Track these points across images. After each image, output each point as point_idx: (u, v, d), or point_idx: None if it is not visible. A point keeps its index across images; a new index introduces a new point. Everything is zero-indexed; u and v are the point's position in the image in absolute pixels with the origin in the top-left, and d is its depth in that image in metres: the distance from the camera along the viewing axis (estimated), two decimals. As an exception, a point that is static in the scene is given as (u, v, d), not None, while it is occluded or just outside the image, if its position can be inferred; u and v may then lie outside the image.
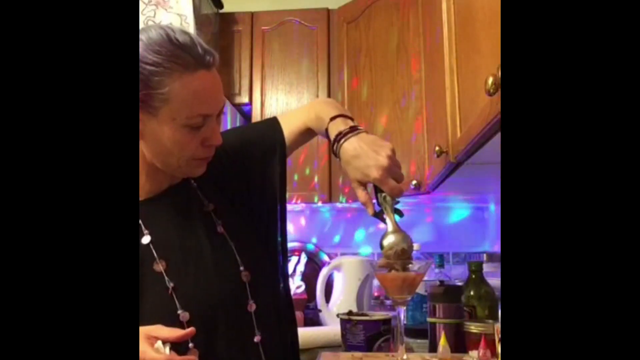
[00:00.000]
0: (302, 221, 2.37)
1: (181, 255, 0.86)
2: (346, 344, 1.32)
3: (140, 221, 0.85)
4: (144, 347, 0.72)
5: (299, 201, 2.11)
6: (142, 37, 0.80)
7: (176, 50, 0.78)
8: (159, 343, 0.75)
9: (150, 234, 0.85)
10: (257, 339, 0.87)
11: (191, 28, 1.83)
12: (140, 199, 0.87)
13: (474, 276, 1.38)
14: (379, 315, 1.35)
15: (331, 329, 1.66)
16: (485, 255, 1.97)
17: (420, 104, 1.80)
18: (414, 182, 1.77)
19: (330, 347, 1.57)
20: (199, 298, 0.84)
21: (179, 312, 0.81)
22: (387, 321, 1.33)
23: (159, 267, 0.83)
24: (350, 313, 1.37)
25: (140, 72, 0.77)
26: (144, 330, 0.75)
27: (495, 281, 1.41)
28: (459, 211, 2.27)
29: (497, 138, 0.88)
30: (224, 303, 0.86)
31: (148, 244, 0.84)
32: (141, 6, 1.84)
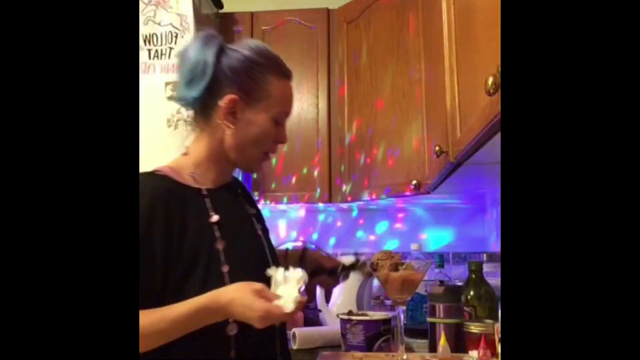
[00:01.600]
0: (302, 221, 2.37)
1: (238, 241, 0.97)
2: (346, 344, 1.32)
3: (209, 203, 0.96)
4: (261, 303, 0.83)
5: (299, 201, 2.10)
6: (249, 43, 1.02)
7: (276, 60, 1.03)
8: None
9: (216, 214, 0.95)
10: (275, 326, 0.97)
11: (191, 28, 1.83)
12: (206, 186, 0.99)
13: (474, 276, 1.39)
14: (379, 315, 1.35)
15: (331, 329, 1.66)
16: (485, 255, 1.97)
17: (420, 104, 1.80)
18: (414, 182, 1.77)
19: (330, 347, 1.57)
20: (253, 270, 0.95)
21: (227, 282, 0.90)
22: (387, 321, 1.33)
23: (220, 245, 0.93)
24: (350, 313, 1.37)
25: (250, 70, 0.98)
26: (250, 285, 0.86)
27: (495, 281, 1.41)
28: (459, 211, 2.27)
29: (497, 138, 0.88)
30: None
31: (214, 223, 0.94)
32: (141, 6, 1.84)
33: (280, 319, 0.87)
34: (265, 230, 1.11)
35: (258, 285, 0.86)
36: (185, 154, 1.02)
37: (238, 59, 0.98)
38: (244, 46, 1.01)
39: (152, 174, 0.96)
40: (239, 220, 1.04)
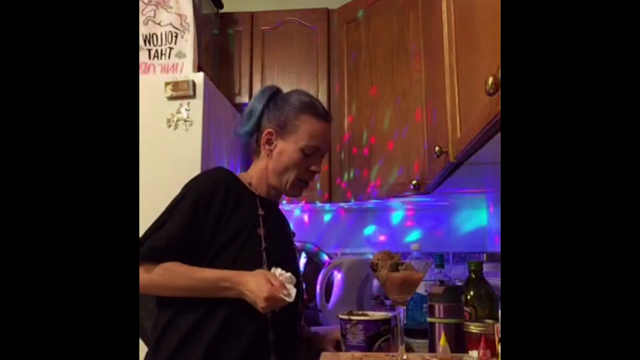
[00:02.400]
0: (302, 221, 2.37)
1: (275, 233, 1.21)
2: (346, 344, 1.32)
3: (259, 202, 1.22)
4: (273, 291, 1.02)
5: (299, 201, 2.10)
6: (296, 91, 1.32)
7: (312, 102, 1.29)
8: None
9: (263, 210, 1.20)
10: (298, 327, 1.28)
11: (191, 28, 1.83)
12: (259, 193, 1.25)
13: (474, 276, 1.38)
14: (379, 315, 1.35)
15: (331, 329, 1.65)
16: (485, 255, 1.97)
17: (420, 104, 1.80)
18: (414, 182, 1.77)
19: (330, 347, 1.56)
20: (278, 265, 1.11)
21: (263, 266, 1.13)
22: (387, 321, 1.33)
23: (261, 231, 1.17)
24: (350, 313, 1.37)
25: (288, 109, 1.25)
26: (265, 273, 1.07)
27: (495, 281, 1.41)
28: (458, 211, 2.27)
29: (497, 138, 0.87)
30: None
31: (260, 215, 1.19)
32: (141, 6, 1.84)
33: (280, 304, 1.04)
34: (295, 251, 1.37)
35: (271, 275, 1.06)
36: (246, 171, 1.31)
37: (281, 100, 1.27)
38: (290, 93, 1.29)
39: (227, 170, 1.24)
40: (279, 226, 1.28)
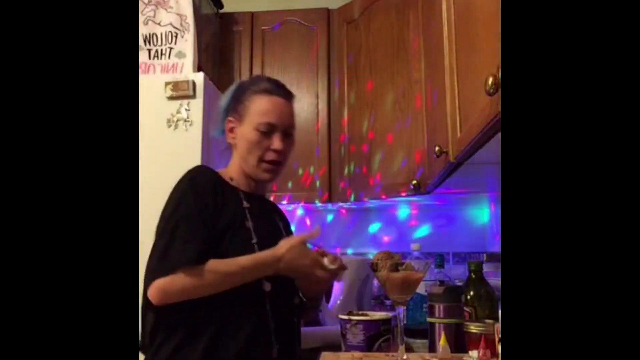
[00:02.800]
0: (302, 221, 2.37)
1: (264, 225, 1.20)
2: (346, 344, 1.32)
3: (243, 195, 1.20)
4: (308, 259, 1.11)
5: (299, 201, 2.10)
6: (258, 77, 1.40)
7: (260, 79, 1.28)
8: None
9: (248, 203, 1.18)
10: (295, 319, 1.23)
11: (191, 28, 1.83)
12: (241, 189, 1.22)
13: (474, 276, 1.38)
14: (379, 315, 1.35)
15: (331, 329, 1.66)
16: (485, 255, 1.97)
17: (421, 104, 1.80)
18: (414, 182, 1.77)
19: (330, 347, 1.57)
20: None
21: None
22: (387, 321, 1.33)
23: (250, 224, 1.14)
24: (350, 313, 1.37)
25: (236, 90, 1.25)
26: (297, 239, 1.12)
27: (495, 281, 1.41)
28: (458, 211, 2.27)
29: (497, 138, 0.87)
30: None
31: (246, 208, 1.17)
32: (141, 6, 1.84)
33: (325, 269, 1.11)
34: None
35: (305, 238, 1.12)
36: (228, 165, 1.28)
37: (240, 90, 1.25)
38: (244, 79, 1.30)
39: (211, 169, 1.23)
40: (267, 216, 1.27)
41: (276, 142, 1.20)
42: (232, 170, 1.26)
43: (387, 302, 2.02)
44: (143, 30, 1.82)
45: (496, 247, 2.01)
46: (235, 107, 1.24)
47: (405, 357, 1.12)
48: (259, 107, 1.21)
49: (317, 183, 2.09)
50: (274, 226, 1.28)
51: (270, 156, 1.21)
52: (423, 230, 2.29)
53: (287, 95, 1.25)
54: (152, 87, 1.70)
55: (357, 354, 1.25)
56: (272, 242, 1.14)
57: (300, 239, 1.12)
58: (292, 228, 2.17)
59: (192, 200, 1.11)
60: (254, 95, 1.22)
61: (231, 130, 1.25)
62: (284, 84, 1.27)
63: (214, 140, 1.77)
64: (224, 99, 1.28)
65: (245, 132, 1.21)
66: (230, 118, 1.25)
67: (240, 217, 1.15)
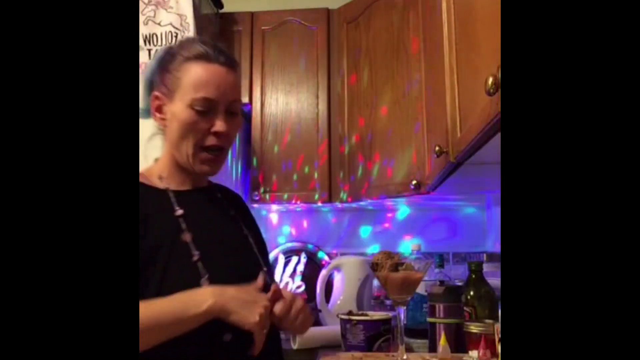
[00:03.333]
0: (302, 221, 2.37)
1: (209, 233, 0.94)
2: (346, 344, 1.33)
3: (174, 199, 0.94)
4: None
5: (299, 201, 2.11)
6: (192, 40, 1.00)
7: (197, 46, 0.95)
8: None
9: (182, 209, 0.92)
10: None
11: (191, 28, 1.83)
12: (174, 188, 0.97)
13: (474, 276, 1.38)
14: (379, 315, 1.35)
15: (331, 329, 1.66)
16: (485, 255, 1.97)
17: (420, 104, 1.80)
18: (414, 182, 1.77)
19: (330, 347, 1.57)
20: (224, 272, 0.89)
21: (202, 280, 0.86)
22: (387, 321, 1.33)
23: (187, 237, 0.89)
24: (350, 313, 1.37)
25: (162, 58, 0.96)
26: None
27: (495, 281, 1.41)
28: (459, 211, 2.27)
29: (497, 138, 0.87)
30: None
31: (180, 216, 0.91)
32: (141, 6, 1.84)
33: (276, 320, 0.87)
34: (255, 232, 1.07)
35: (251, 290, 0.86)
36: (157, 159, 1.02)
37: (169, 56, 0.97)
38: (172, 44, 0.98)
39: None
40: (213, 214, 0.99)
41: (218, 123, 0.93)
42: (162, 164, 0.99)
43: (387, 302, 2.02)
44: (143, 30, 1.82)
45: (496, 247, 2.01)
46: (162, 79, 0.95)
47: (405, 357, 1.12)
48: (193, 78, 0.92)
49: (317, 183, 2.09)
50: (226, 226, 1.00)
51: (211, 141, 0.94)
52: (423, 230, 2.29)
53: (230, 63, 0.96)
54: (152, 87, 1.69)
55: (357, 354, 1.25)
56: (222, 251, 0.92)
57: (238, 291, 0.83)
58: (291, 229, 2.17)
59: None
60: (186, 64, 0.93)
61: (158, 109, 0.96)
62: (224, 48, 0.98)
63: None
64: (148, 68, 1.01)
65: (176, 111, 0.92)
66: (157, 93, 0.96)
67: (173, 230, 0.89)
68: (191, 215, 0.93)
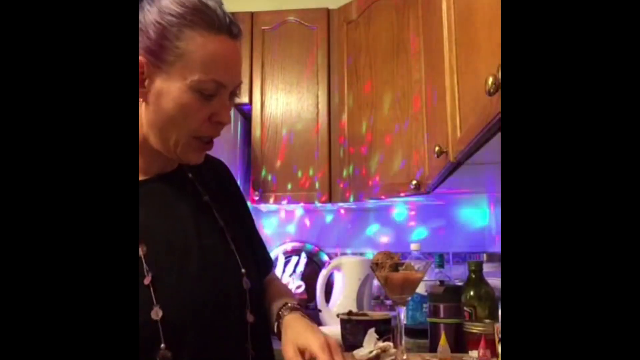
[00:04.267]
0: (302, 221, 2.37)
1: (169, 245, 0.76)
2: (346, 344, 1.33)
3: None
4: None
5: (299, 201, 2.11)
6: None
7: (202, 7, 0.73)
8: None
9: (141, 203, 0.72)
10: (251, 354, 0.78)
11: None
12: None
13: (474, 276, 1.39)
14: (379, 315, 1.35)
15: (331, 329, 1.66)
16: (485, 255, 1.97)
17: (420, 104, 1.81)
18: (414, 182, 1.77)
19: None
20: (182, 297, 0.73)
21: (152, 312, 0.70)
22: (387, 321, 1.33)
23: (141, 250, 0.73)
24: (350, 313, 1.38)
25: (158, 22, 0.72)
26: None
27: (495, 281, 1.41)
28: (459, 211, 2.27)
29: (497, 138, 0.88)
30: (218, 309, 0.76)
31: None
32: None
33: None
34: (233, 221, 0.86)
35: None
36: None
37: (149, 12, 0.74)
38: None
39: None
40: (178, 214, 0.80)
41: (224, 113, 0.76)
42: None
43: (387, 302, 2.03)
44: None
45: (496, 247, 2.01)
46: (150, 39, 0.73)
47: (405, 357, 1.12)
48: (202, 55, 0.72)
49: (317, 183, 2.09)
50: (194, 223, 0.80)
51: (209, 131, 0.77)
52: (423, 231, 2.29)
53: (238, 33, 0.77)
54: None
55: (357, 354, 1.25)
56: (184, 266, 0.75)
57: None
58: (291, 229, 2.15)
59: None
60: (191, 32, 0.72)
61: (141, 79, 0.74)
62: (230, 15, 0.77)
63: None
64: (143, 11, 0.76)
65: (172, 91, 0.73)
66: (142, 58, 0.73)
67: None
68: (149, 217, 0.75)
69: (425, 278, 1.25)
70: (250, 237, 0.94)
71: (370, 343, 1.06)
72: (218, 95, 0.75)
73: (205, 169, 0.88)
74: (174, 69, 0.73)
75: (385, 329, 1.31)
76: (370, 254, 2.26)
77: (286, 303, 0.85)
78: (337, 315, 1.42)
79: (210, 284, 0.76)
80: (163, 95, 0.73)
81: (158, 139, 0.77)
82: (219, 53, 0.73)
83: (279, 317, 0.83)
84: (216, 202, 0.86)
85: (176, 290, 0.73)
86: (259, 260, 0.93)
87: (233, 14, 0.79)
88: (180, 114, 0.74)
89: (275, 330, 0.83)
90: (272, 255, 2.25)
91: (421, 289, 1.55)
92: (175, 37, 0.72)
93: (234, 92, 0.78)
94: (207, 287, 0.76)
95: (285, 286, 1.02)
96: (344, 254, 2.28)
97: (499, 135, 0.86)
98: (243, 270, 0.80)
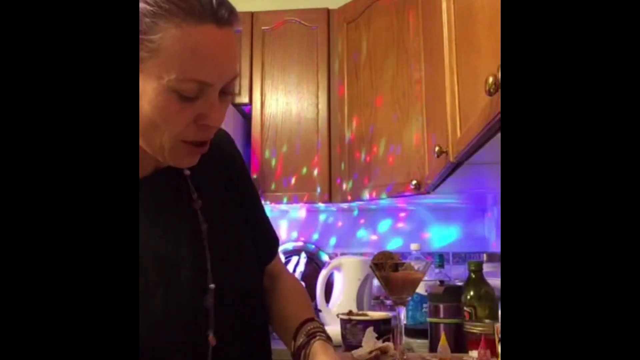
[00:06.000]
0: (302, 221, 2.37)
1: (143, 261, 0.69)
2: (346, 344, 1.33)
3: None
4: None
5: (299, 201, 2.11)
6: None
7: None
8: None
9: None
10: None
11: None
12: None
13: (474, 276, 1.39)
14: (379, 315, 1.35)
15: (331, 329, 1.66)
16: (485, 255, 1.97)
17: (420, 104, 1.81)
18: (414, 182, 1.77)
19: (330, 347, 1.57)
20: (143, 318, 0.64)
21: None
22: (387, 321, 1.33)
23: None
24: (350, 313, 1.37)
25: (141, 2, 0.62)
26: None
27: (495, 281, 1.41)
28: (459, 211, 2.27)
29: (497, 138, 0.88)
30: (172, 330, 0.69)
31: None
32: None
33: None
34: (223, 225, 0.78)
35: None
36: None
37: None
38: None
39: None
40: (162, 226, 0.72)
41: (212, 116, 0.66)
42: None
43: (387, 302, 2.03)
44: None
45: (496, 247, 2.01)
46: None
47: (405, 357, 1.12)
48: (178, 50, 0.61)
49: (317, 183, 2.09)
50: (174, 232, 0.73)
51: (198, 136, 0.67)
52: (423, 230, 2.29)
53: (230, 18, 0.66)
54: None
55: (357, 354, 1.25)
56: (157, 284, 0.68)
57: None
58: (291, 229, 2.15)
59: None
60: (166, 22, 0.61)
61: None
62: None
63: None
64: None
65: (147, 91, 0.63)
66: None
67: None
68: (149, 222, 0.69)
69: (425, 278, 1.25)
70: (252, 221, 0.85)
71: (369, 342, 1.06)
72: (204, 96, 0.64)
73: (206, 154, 0.75)
74: (147, 66, 0.62)
75: (385, 329, 1.31)
76: (370, 254, 2.26)
77: (308, 325, 0.80)
78: (337, 316, 1.42)
79: (163, 304, 0.68)
80: (142, 98, 0.63)
81: (143, 141, 0.68)
82: (200, 47, 0.62)
83: (304, 344, 0.78)
84: (209, 198, 0.78)
85: (146, 313, 0.67)
86: (259, 251, 0.85)
87: (233, 14, 0.78)
88: (159, 117, 0.64)
89: (293, 349, 0.79)
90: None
91: (421, 289, 1.55)
92: (149, 29, 0.61)
93: (227, 90, 0.67)
94: (161, 307, 0.68)
95: (297, 287, 0.93)
96: (344, 254, 2.28)
97: (499, 135, 0.86)
98: (212, 286, 0.71)
